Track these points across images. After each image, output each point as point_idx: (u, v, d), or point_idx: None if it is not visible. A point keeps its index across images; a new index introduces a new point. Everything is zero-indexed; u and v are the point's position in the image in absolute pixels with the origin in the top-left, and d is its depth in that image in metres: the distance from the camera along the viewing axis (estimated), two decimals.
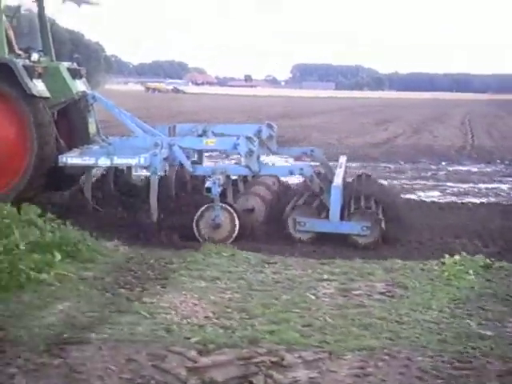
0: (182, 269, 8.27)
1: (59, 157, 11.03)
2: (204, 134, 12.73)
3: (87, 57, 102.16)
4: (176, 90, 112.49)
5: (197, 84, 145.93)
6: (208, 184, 10.43)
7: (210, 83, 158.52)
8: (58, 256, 8.00)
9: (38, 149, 11.18)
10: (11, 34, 12.20)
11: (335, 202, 10.43)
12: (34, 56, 11.89)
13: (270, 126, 12.88)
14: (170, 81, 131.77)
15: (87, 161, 10.98)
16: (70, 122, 12.66)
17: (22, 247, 7.72)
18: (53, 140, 11.47)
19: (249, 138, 11.12)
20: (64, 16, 13.07)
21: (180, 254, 9.22)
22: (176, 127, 12.81)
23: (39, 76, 11.46)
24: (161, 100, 71.13)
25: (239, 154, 11.34)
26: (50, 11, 13.15)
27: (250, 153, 10.91)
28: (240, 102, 71.15)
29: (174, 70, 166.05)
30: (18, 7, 13.10)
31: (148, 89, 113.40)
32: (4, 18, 11.80)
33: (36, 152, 11.16)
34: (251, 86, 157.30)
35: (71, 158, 11.04)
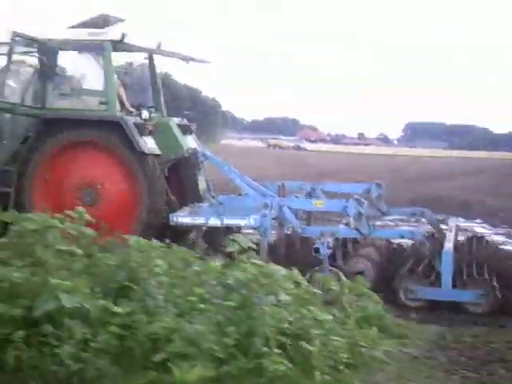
0: None
1: (170, 216, 11.12)
2: (313, 192, 12.60)
3: (204, 113, 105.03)
4: (297, 148, 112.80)
5: (310, 141, 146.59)
6: (317, 245, 10.29)
7: (323, 140, 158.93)
8: (375, 329, 7.27)
9: (149, 204, 11.31)
10: (122, 91, 12.48)
11: (447, 268, 10.10)
12: (145, 114, 12.04)
13: (378, 186, 12.61)
14: (283, 138, 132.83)
15: (197, 220, 11.00)
16: (181, 178, 12.77)
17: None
18: (163, 196, 11.57)
19: (358, 201, 10.94)
20: (181, 73, 13.30)
21: None
22: (285, 184, 12.71)
23: (150, 133, 11.60)
24: (292, 157, 69.25)
25: (348, 215, 11.10)
26: (166, 68, 13.44)
27: (359, 215, 10.74)
28: (375, 162, 65.82)
29: (287, 126, 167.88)
30: (130, 64, 13.46)
31: (269, 145, 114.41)
32: (115, 75, 12.10)
33: (147, 207, 11.29)
34: (365, 144, 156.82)
35: (182, 218, 11.11)
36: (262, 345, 5.48)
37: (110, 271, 6.56)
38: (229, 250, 6.91)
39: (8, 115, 12.04)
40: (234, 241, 8.59)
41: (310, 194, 12.58)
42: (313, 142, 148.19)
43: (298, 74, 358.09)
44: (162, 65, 13.80)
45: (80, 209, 7.34)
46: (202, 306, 5.93)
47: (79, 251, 6.84)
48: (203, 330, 5.43)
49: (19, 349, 5.24)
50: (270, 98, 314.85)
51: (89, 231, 7.34)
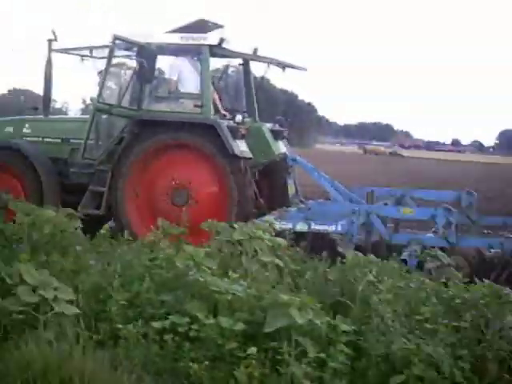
0: None
1: (258, 219, 11.24)
2: (402, 198, 12.54)
3: (300, 117, 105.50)
4: (394, 154, 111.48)
5: (404, 147, 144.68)
6: (403, 256, 10.21)
7: (417, 147, 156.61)
8: None
9: (238, 207, 11.49)
10: (217, 95, 12.70)
11: None
12: (238, 117, 12.20)
13: (470, 194, 12.41)
14: (376, 143, 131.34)
15: (285, 225, 11.08)
16: (271, 182, 12.95)
17: None
18: (252, 199, 11.74)
19: (447, 209, 10.83)
20: (279, 78, 13.52)
21: None
22: (374, 191, 12.68)
23: (242, 137, 11.79)
24: (398, 165, 66.65)
25: (436, 224, 10.99)
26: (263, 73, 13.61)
27: (448, 224, 10.63)
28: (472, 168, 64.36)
29: (381, 132, 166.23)
30: (226, 68, 13.68)
31: (365, 151, 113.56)
32: (210, 80, 12.30)
33: (236, 210, 11.48)
34: (459, 151, 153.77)
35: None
36: (496, 370, 5.36)
37: (323, 286, 6.63)
38: (429, 266, 6.85)
39: (105, 116, 12.45)
40: (433, 256, 8.66)
41: (399, 201, 12.53)
42: (407, 148, 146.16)
43: (390, 78, 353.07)
44: (260, 69, 13.98)
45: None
46: (429, 325, 5.83)
47: (281, 263, 7.00)
48: (442, 353, 5.29)
49: (251, 365, 5.20)
50: (363, 102, 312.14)
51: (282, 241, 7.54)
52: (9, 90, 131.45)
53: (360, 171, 41.79)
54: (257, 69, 13.80)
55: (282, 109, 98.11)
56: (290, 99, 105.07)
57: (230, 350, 5.37)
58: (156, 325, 5.65)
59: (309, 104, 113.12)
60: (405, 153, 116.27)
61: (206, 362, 5.27)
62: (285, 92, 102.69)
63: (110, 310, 6.02)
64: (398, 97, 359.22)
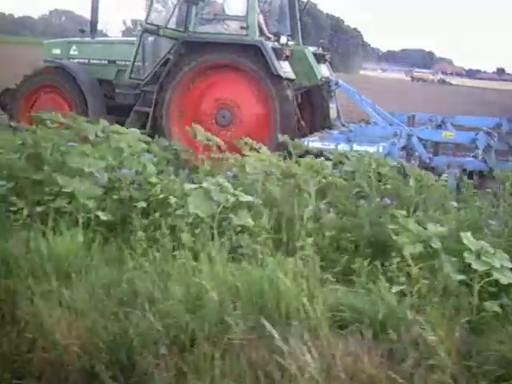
0: None
1: (301, 140, 11.46)
2: (443, 124, 12.67)
3: (346, 43, 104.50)
4: (442, 81, 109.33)
5: (445, 75, 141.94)
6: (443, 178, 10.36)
7: (459, 74, 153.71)
8: None
9: (280, 124, 11.72)
10: (261, 18, 12.78)
11: None
12: (283, 39, 12.33)
13: (510, 121, 12.48)
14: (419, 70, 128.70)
15: (327, 145, 11.26)
16: (313, 105, 13.12)
17: None
18: (294, 118, 11.94)
19: (488, 133, 10.93)
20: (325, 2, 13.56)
21: None
22: (415, 116, 12.79)
23: (286, 58, 11.95)
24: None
25: (477, 148, 11.11)
26: None
27: (488, 148, 10.75)
28: None
29: (422, 59, 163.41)
30: None
31: (413, 79, 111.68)
32: (256, 2, 12.43)
33: (279, 127, 11.69)
34: (504, 80, 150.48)
35: (312, 142, 11.40)
36: None
37: None
38: None
39: (151, 38, 12.66)
40: None
41: (439, 127, 12.66)
42: (448, 75, 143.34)
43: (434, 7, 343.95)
44: None
45: None
46: None
47: None
48: None
49: None
50: (407, 28, 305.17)
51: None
52: (50, 11, 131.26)
53: (416, 100, 40.40)
54: None
55: (327, 34, 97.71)
56: (336, 24, 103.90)
57: None
58: None
59: (354, 29, 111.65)
60: (453, 81, 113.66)
61: None
62: (331, 17, 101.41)
63: None
64: (440, 22, 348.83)
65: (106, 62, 13.37)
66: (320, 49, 13.51)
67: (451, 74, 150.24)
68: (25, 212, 5.91)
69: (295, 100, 12.28)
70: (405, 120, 12.49)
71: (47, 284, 4.90)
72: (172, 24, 12.56)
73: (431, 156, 11.35)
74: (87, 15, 13.91)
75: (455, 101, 45.05)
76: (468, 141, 11.20)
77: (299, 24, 13.74)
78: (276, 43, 12.19)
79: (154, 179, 6.56)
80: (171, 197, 6.07)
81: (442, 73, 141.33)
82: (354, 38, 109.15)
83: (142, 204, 6.10)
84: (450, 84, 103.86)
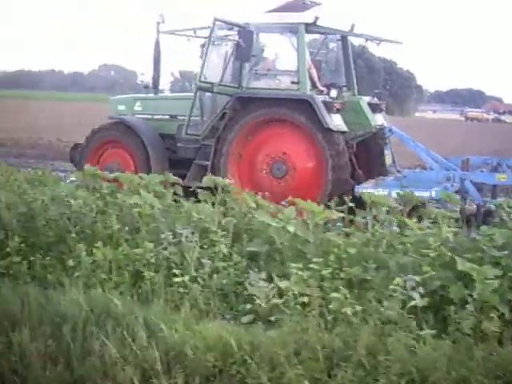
0: None
1: (355, 187, 11.66)
2: (499, 167, 12.72)
3: (400, 85, 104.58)
4: (497, 120, 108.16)
5: (498, 113, 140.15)
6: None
7: (511, 112, 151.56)
8: None
9: (333, 177, 12.02)
10: (314, 71, 13.14)
11: None
12: (333, 92, 12.71)
13: None
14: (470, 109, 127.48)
15: (381, 192, 11.42)
16: (369, 153, 13.34)
17: None
18: (346, 169, 12.20)
19: None
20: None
21: None
22: (470, 160, 12.89)
23: (337, 111, 12.25)
24: None
25: None
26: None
27: None
28: None
29: (472, 98, 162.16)
30: (324, 42, 14.17)
31: (467, 118, 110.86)
32: (308, 56, 12.81)
33: (331, 180, 12.01)
34: None
35: (366, 189, 11.59)
36: None
37: None
38: None
39: (209, 94, 13.11)
40: None
41: (495, 169, 12.72)
42: (502, 113, 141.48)
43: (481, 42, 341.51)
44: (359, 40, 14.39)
45: None
46: None
47: None
48: None
49: None
50: (454, 67, 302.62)
51: None
52: (99, 66, 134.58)
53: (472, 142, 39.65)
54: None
55: (381, 76, 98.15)
56: (389, 67, 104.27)
57: None
58: None
59: (407, 71, 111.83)
60: (507, 119, 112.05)
61: None
62: (383, 60, 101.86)
63: None
64: (488, 62, 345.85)
65: (168, 117, 13.92)
66: (375, 98, 13.77)
67: (504, 112, 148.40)
68: None
69: (351, 149, 12.57)
70: (459, 164, 12.58)
71: None
72: (227, 80, 12.95)
73: (485, 199, 11.44)
74: (136, 68, 14.51)
75: None
76: None
77: (354, 74, 14.04)
78: (327, 96, 12.50)
79: None
80: None
81: (495, 111, 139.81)
82: (408, 79, 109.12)
83: None
84: (506, 122, 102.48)
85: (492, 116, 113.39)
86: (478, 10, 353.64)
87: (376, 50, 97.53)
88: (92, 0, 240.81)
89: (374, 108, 13.39)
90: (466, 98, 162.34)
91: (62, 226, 7.86)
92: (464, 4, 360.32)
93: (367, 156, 13.31)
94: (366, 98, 13.51)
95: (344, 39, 13.86)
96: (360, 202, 11.76)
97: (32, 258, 7.32)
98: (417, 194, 11.30)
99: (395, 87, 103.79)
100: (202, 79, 12.82)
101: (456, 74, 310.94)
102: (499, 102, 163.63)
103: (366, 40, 13.57)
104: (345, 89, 13.71)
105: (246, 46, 12.34)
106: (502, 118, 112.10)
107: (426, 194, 11.20)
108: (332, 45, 14.65)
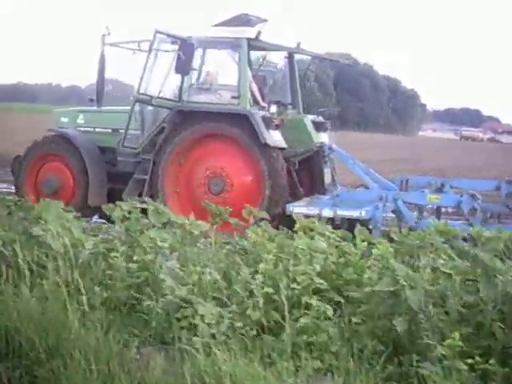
0: None
1: (287, 206, 11.54)
2: (442, 187, 12.58)
3: (404, 104, 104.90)
4: (492, 140, 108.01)
5: (496, 133, 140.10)
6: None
7: (509, 132, 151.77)
8: None
9: (270, 194, 11.90)
10: (255, 87, 13.01)
11: None
12: (273, 108, 12.63)
13: (510, 183, 12.34)
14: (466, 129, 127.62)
15: (312, 211, 11.28)
16: (311, 171, 13.27)
17: None
18: (284, 186, 12.07)
19: (473, 196, 10.89)
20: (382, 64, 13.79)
21: None
22: (409, 180, 12.75)
23: (276, 127, 12.14)
24: None
25: (462, 211, 11.06)
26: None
27: (473, 211, 10.69)
28: None
29: (469, 117, 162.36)
30: (266, 59, 14.09)
31: (461, 137, 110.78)
32: (249, 72, 12.72)
33: (268, 197, 11.90)
34: None
35: (297, 208, 11.47)
36: None
37: None
38: None
39: (148, 107, 12.96)
40: None
41: (439, 190, 12.58)
42: (500, 133, 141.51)
43: (477, 61, 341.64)
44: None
45: None
46: None
47: None
48: None
49: None
50: (450, 86, 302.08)
51: None
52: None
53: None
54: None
55: (385, 95, 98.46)
56: (393, 85, 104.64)
57: None
58: None
59: (412, 90, 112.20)
60: (505, 139, 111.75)
61: None
62: (387, 78, 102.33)
63: None
64: (485, 81, 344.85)
65: (110, 130, 13.75)
66: (320, 117, 13.68)
67: (502, 132, 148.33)
68: None
69: (293, 167, 12.52)
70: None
71: None
72: (166, 93, 12.84)
73: (417, 220, 11.33)
74: (133, 82, 14.36)
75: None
76: (453, 204, 11.22)
77: (299, 92, 13.96)
78: (267, 112, 12.39)
79: None
80: None
81: (493, 131, 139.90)
82: (412, 98, 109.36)
83: None
84: (501, 142, 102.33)
85: (488, 135, 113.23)
86: (476, 29, 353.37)
87: (380, 69, 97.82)
88: (89, 13, 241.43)
89: (318, 126, 13.28)
90: (463, 117, 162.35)
91: None
92: (461, 23, 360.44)
93: (310, 174, 13.23)
94: (311, 117, 13.45)
95: (291, 57, 13.80)
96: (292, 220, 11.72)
97: None
98: (346, 213, 11.28)
99: (399, 105, 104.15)
100: (142, 91, 12.70)
101: (452, 93, 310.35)
102: (497, 122, 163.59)
103: (313, 58, 13.49)
104: (290, 107, 13.62)
105: (186, 59, 12.24)
106: (497, 137, 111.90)
107: (355, 214, 11.09)
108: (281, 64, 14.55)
